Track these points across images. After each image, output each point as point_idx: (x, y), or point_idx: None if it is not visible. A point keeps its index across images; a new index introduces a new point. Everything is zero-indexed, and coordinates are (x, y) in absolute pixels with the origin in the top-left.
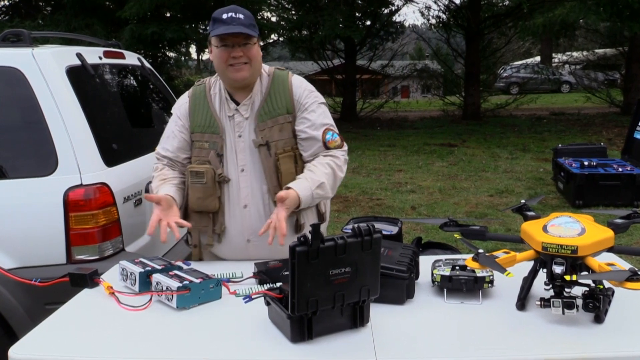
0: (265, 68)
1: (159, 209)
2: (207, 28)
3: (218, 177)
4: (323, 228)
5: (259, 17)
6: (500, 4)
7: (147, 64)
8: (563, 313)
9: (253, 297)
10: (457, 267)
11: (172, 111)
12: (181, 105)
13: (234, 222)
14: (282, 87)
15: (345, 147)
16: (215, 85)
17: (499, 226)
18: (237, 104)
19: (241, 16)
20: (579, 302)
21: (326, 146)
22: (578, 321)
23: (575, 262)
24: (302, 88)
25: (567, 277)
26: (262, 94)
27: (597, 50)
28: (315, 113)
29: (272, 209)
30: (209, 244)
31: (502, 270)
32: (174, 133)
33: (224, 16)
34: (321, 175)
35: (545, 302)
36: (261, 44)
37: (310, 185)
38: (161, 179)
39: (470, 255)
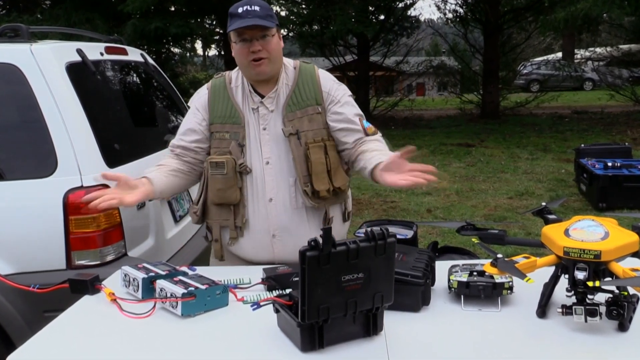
0: (290, 61)
1: (117, 186)
2: (214, 22)
3: (239, 167)
4: (345, 228)
5: None
6: None
7: (150, 61)
8: (586, 321)
9: (261, 304)
10: (475, 273)
11: (189, 104)
12: (200, 97)
13: (258, 217)
14: (310, 79)
15: (379, 133)
16: (237, 78)
17: (519, 230)
18: (262, 96)
19: (257, 8)
20: (603, 309)
21: (366, 133)
22: (601, 329)
23: (599, 268)
24: (331, 80)
25: (590, 283)
26: (288, 86)
27: (621, 46)
28: (348, 105)
29: (298, 202)
30: (233, 238)
31: (522, 276)
32: (191, 125)
33: (240, 10)
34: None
35: (567, 310)
36: (283, 32)
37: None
38: (156, 165)
39: (489, 261)
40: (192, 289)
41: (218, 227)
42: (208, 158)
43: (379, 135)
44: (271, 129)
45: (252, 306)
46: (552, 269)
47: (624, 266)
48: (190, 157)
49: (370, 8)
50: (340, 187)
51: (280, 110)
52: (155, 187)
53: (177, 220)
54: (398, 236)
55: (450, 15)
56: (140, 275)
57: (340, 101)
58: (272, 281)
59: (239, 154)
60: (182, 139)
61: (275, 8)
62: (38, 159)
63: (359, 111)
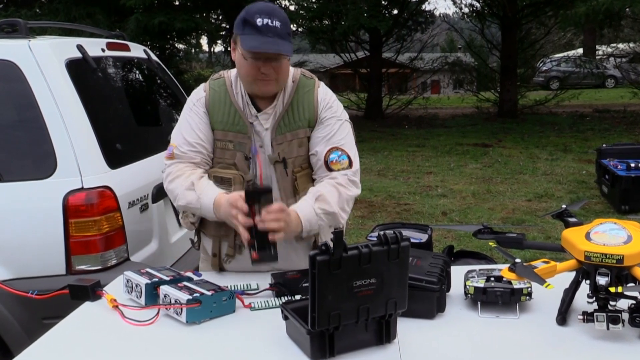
0: (290, 72)
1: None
2: (220, 17)
3: (247, 184)
4: None
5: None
6: None
7: (154, 57)
8: (607, 328)
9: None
10: (492, 278)
11: (185, 107)
12: (198, 99)
13: None
14: (307, 97)
15: (355, 168)
16: (236, 84)
17: (538, 233)
18: (258, 110)
19: (278, 24)
20: (625, 316)
21: (328, 167)
22: (624, 337)
23: (621, 273)
24: (325, 101)
25: (612, 289)
26: (284, 103)
27: None
28: (328, 127)
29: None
30: (230, 255)
31: (541, 281)
32: (192, 124)
33: (258, 21)
34: (319, 189)
35: (588, 317)
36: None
37: (309, 201)
38: (190, 181)
39: (507, 266)
40: (198, 295)
41: (218, 241)
42: (211, 171)
43: (339, 173)
44: (266, 149)
45: None
46: (573, 274)
47: None
48: (199, 158)
49: (383, 2)
50: None
51: (272, 129)
52: None
53: (181, 223)
54: (412, 240)
55: (466, 10)
56: (144, 280)
57: (323, 123)
58: (280, 287)
59: (245, 169)
60: (186, 142)
61: (284, 2)
62: (37, 159)
63: (339, 138)
